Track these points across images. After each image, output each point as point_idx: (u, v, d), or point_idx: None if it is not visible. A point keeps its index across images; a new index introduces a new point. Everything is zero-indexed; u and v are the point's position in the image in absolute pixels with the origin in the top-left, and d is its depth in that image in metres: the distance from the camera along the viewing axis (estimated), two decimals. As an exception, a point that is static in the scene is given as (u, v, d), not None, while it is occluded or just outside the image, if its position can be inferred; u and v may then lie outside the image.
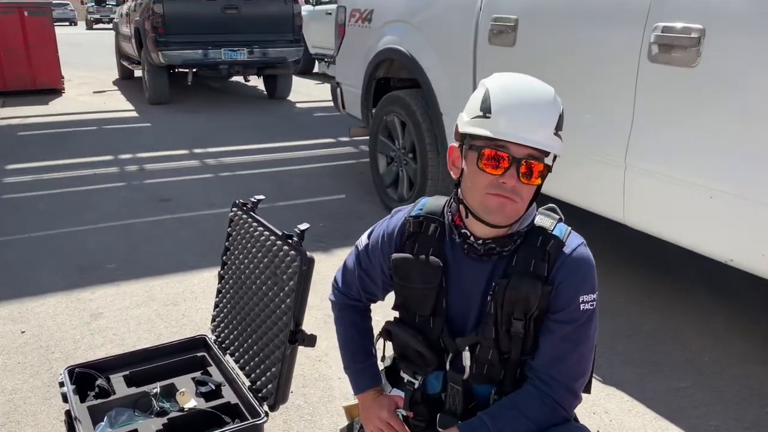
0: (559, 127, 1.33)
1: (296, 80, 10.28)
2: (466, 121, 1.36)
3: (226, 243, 2.36)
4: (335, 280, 1.69)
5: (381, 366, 1.72)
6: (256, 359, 2.07)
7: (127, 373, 2.18)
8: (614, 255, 3.62)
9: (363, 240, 1.60)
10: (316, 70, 12.17)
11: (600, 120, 2.79)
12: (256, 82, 10.34)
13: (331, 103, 5.63)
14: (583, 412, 2.32)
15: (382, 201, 4.60)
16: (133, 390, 2.09)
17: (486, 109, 1.31)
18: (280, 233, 2.02)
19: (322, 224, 4.19)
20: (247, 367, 2.12)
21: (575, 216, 2.46)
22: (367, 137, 4.80)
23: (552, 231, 1.43)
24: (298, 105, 9.14)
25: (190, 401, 2.06)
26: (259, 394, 2.00)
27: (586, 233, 1.53)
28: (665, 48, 2.44)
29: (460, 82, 3.65)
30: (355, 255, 1.62)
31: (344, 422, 1.76)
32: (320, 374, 2.57)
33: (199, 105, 8.88)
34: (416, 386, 1.53)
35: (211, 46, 8.35)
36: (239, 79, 10.23)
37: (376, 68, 4.48)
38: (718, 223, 2.37)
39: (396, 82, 4.58)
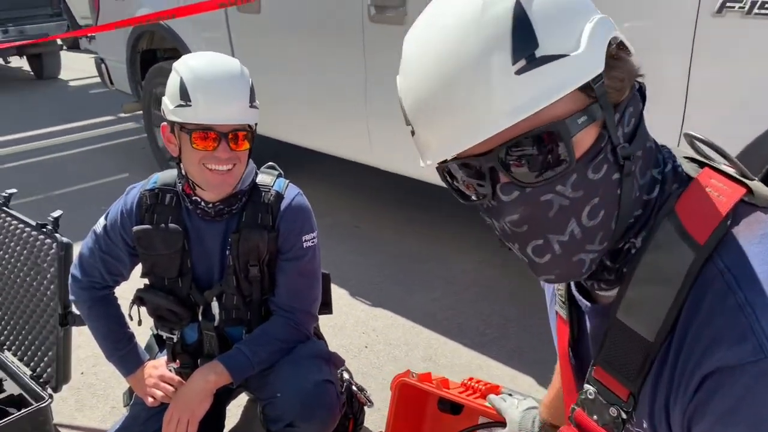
0: (252, 99, 1.57)
1: (67, 56, 9.53)
2: (171, 109, 1.54)
3: (-17, 242, 2.34)
4: (72, 277, 1.76)
5: (150, 333, 1.89)
6: (33, 348, 2.13)
7: None
8: (384, 194, 4.02)
9: (101, 223, 1.74)
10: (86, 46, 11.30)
11: (340, 75, 3.09)
12: (20, 62, 9.43)
13: (109, 79, 5.39)
14: (353, 332, 2.68)
15: (167, 174, 4.60)
16: None
17: (185, 97, 1.50)
18: (34, 224, 2.08)
19: (104, 207, 4.11)
20: (25, 357, 2.17)
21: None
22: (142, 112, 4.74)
23: (273, 186, 1.69)
24: (71, 83, 8.54)
25: (-32, 403, 2.07)
26: (41, 380, 2.08)
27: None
28: (380, 9, 2.77)
29: (220, 51, 3.74)
30: (93, 240, 1.74)
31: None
32: (111, 351, 2.65)
33: (-49, 95, 7.96)
34: (175, 340, 1.73)
35: (-46, 27, 7.50)
36: (-1, 61, 9.28)
37: (137, 40, 4.42)
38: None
39: (163, 52, 4.55)
